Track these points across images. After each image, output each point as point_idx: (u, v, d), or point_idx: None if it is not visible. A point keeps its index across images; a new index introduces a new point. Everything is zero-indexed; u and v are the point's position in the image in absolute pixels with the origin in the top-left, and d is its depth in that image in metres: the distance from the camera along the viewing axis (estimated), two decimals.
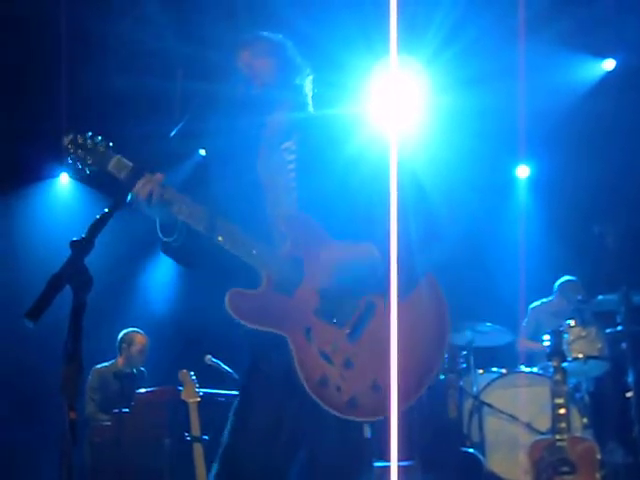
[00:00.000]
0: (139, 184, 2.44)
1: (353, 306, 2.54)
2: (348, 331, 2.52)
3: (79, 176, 2.60)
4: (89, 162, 2.55)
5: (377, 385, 2.49)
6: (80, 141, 2.56)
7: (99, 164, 2.53)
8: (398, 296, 2.49)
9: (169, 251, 2.63)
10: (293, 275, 2.53)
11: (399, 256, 2.46)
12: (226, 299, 2.49)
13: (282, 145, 2.71)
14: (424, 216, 2.57)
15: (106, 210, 2.49)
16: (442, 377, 5.77)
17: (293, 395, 2.56)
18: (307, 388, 2.46)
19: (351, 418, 2.49)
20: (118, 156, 2.53)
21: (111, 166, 2.52)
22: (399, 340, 2.49)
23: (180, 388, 5.25)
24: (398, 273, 2.46)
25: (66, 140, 2.56)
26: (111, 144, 2.57)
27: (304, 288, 2.53)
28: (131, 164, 2.51)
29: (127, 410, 5.74)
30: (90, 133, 2.58)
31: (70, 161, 2.56)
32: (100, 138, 2.57)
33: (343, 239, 2.57)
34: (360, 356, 2.50)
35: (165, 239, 2.59)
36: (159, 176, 2.49)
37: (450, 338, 2.66)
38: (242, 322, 2.50)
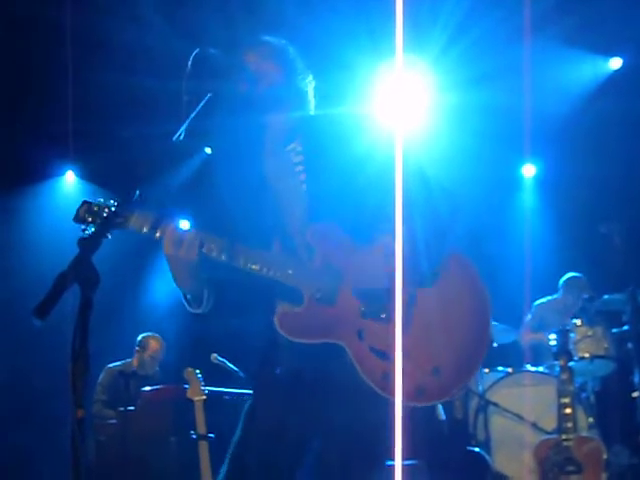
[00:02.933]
0: (182, 252, 2.46)
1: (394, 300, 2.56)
2: None
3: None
4: (107, 229, 2.45)
5: (437, 369, 2.53)
6: (95, 209, 2.50)
7: (119, 226, 2.50)
8: (422, 284, 2.54)
9: (200, 316, 2.64)
10: (330, 285, 2.55)
11: (411, 250, 2.48)
12: (276, 322, 2.52)
13: (287, 146, 2.71)
14: (430, 214, 2.58)
15: (113, 209, 2.50)
16: None
17: (302, 397, 2.58)
18: (375, 388, 2.49)
19: (422, 404, 2.55)
20: (135, 214, 2.50)
21: (132, 224, 2.50)
22: (443, 325, 2.55)
23: (186, 386, 5.25)
24: (414, 263, 2.50)
25: (81, 211, 2.49)
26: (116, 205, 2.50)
27: (343, 294, 2.55)
28: (151, 216, 2.49)
29: (132, 408, 5.75)
30: (102, 199, 2.53)
31: (88, 231, 2.45)
32: (112, 202, 2.52)
33: (352, 238, 2.59)
34: (414, 346, 2.51)
35: (195, 311, 2.61)
36: (193, 235, 2.49)
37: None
38: (297, 340, 2.53)
